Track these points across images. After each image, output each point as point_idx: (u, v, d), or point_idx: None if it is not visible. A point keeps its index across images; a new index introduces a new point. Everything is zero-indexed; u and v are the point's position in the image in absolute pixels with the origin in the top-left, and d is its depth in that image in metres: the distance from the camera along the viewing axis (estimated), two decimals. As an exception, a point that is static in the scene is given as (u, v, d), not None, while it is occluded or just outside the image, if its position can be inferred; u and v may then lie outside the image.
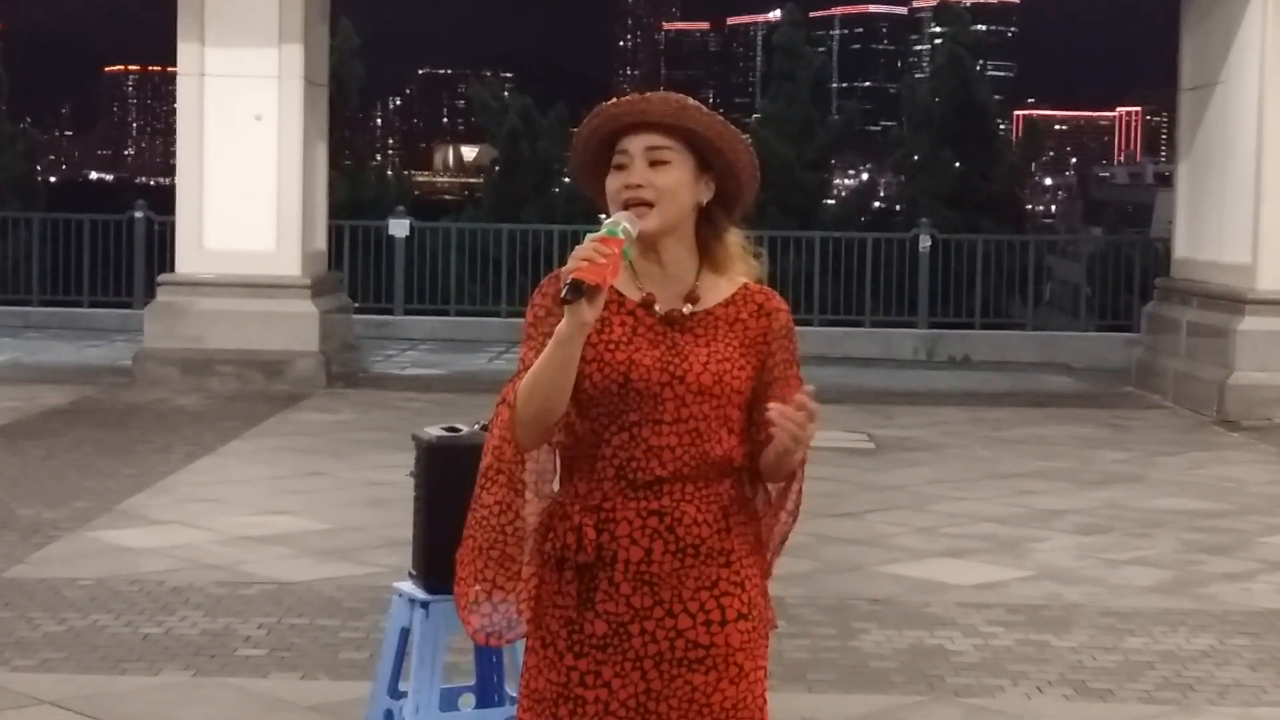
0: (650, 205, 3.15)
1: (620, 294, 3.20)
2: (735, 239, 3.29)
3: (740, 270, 3.27)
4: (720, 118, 3.22)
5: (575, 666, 3.15)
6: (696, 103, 3.21)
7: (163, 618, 7.21)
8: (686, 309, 3.20)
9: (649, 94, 3.22)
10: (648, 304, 3.20)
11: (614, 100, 3.24)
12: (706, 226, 3.24)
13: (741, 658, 3.18)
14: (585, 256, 3.01)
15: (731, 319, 3.22)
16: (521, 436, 3.16)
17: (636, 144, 3.18)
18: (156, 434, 12.26)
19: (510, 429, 3.16)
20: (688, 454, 3.15)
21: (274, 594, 7.66)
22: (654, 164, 3.17)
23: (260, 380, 14.72)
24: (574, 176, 3.40)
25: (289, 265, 15.07)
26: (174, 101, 15.86)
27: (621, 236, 3.07)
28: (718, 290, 3.23)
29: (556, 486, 3.25)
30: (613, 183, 3.20)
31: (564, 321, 3.04)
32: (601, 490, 3.17)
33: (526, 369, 3.17)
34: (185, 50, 15.11)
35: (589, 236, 3.06)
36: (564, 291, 3.00)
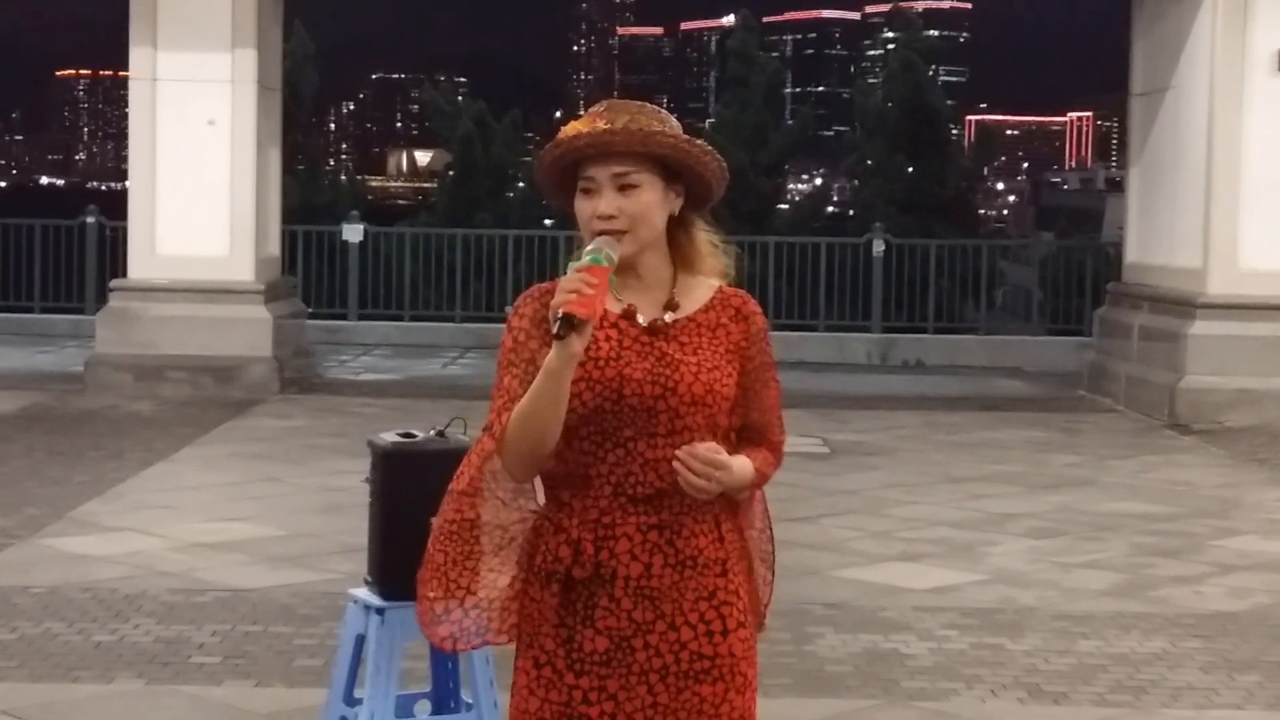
0: (628, 233, 3.13)
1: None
2: (703, 236, 3.27)
3: (711, 267, 3.26)
4: (680, 132, 3.18)
5: (577, 685, 3.11)
6: (656, 118, 3.17)
7: (116, 625, 7.17)
8: (668, 317, 3.19)
9: (611, 122, 3.13)
10: (630, 315, 3.17)
11: (576, 131, 3.16)
12: (678, 229, 3.23)
13: (744, 666, 3.18)
14: (573, 289, 2.97)
15: (713, 325, 3.21)
16: (515, 469, 3.14)
17: (603, 172, 3.14)
18: (109, 440, 12.20)
19: (493, 460, 3.15)
20: None
21: (228, 601, 7.63)
22: (623, 188, 3.14)
23: (213, 386, 14.66)
24: (548, 197, 3.36)
25: (242, 270, 15.02)
26: (126, 106, 15.78)
27: (606, 265, 3.04)
28: (695, 295, 3.22)
29: (541, 499, 3.21)
30: (583, 208, 3.16)
31: (553, 354, 3.01)
32: (599, 506, 3.13)
33: (511, 398, 3.13)
34: (137, 54, 15.04)
35: (573, 267, 3.02)
36: (556, 327, 2.97)
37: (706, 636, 3.13)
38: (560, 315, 2.96)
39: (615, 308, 3.16)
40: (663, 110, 3.21)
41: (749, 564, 3.30)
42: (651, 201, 3.15)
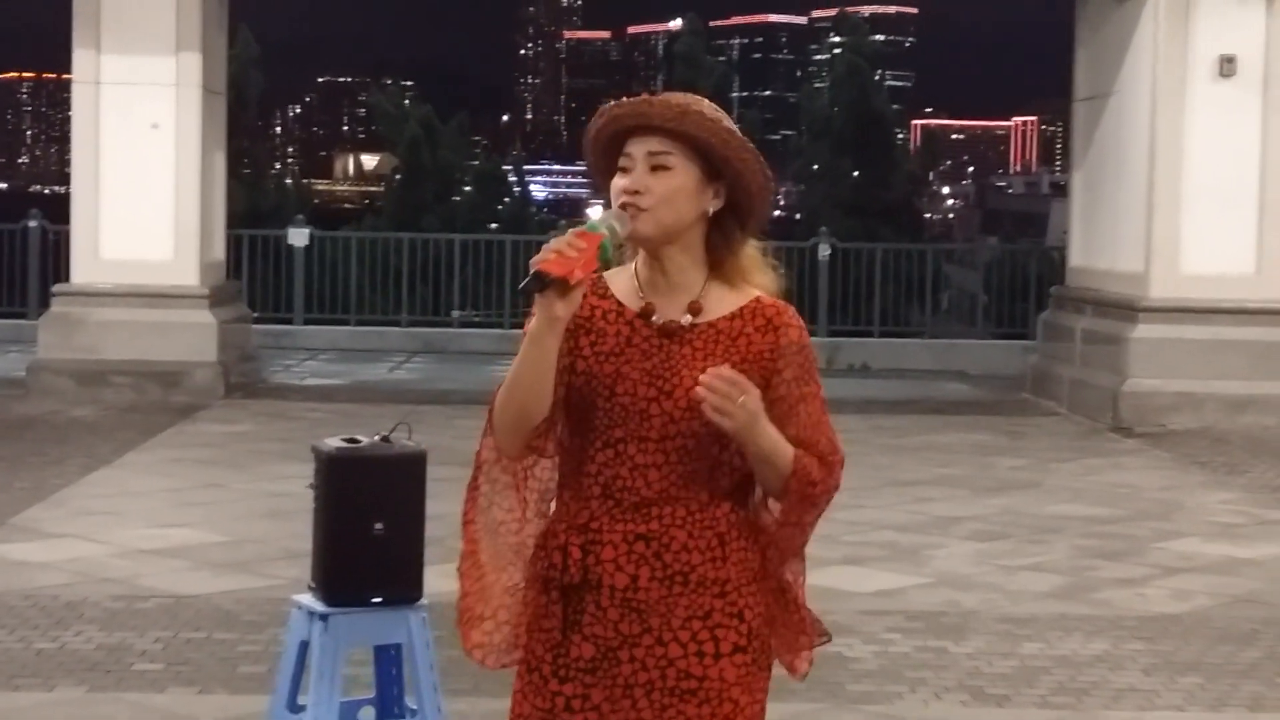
0: (646, 211, 3.02)
1: (620, 303, 3.09)
2: (751, 251, 3.14)
3: (756, 283, 3.12)
4: (729, 125, 3.06)
5: (560, 691, 3.03)
6: (706, 107, 3.07)
7: (57, 632, 7.12)
8: (686, 320, 3.06)
9: (656, 95, 3.08)
10: (646, 314, 3.07)
11: (619, 100, 3.09)
12: (717, 236, 3.09)
13: (737, 693, 3.02)
14: (555, 248, 2.89)
15: (735, 333, 3.06)
16: (502, 442, 3.05)
17: (640, 148, 3.04)
18: (51, 446, 12.11)
19: (487, 448, 3.09)
20: (675, 473, 3.02)
21: (171, 608, 7.59)
22: (655, 169, 3.03)
23: (157, 391, 14.58)
24: (591, 176, 3.25)
25: (186, 275, 14.95)
26: (69, 109, 15.68)
27: (604, 232, 2.96)
28: (724, 303, 3.08)
29: (554, 506, 3.13)
30: (615, 184, 3.06)
31: (535, 318, 2.93)
32: (589, 509, 3.04)
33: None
34: (81, 58, 14.95)
35: (571, 230, 2.96)
36: (524, 282, 2.91)
37: (697, 656, 3.00)
38: (533, 271, 2.89)
39: (634, 305, 3.08)
40: (725, 113, 3.09)
41: (772, 591, 3.14)
42: (681, 187, 3.03)
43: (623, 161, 3.06)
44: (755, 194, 3.10)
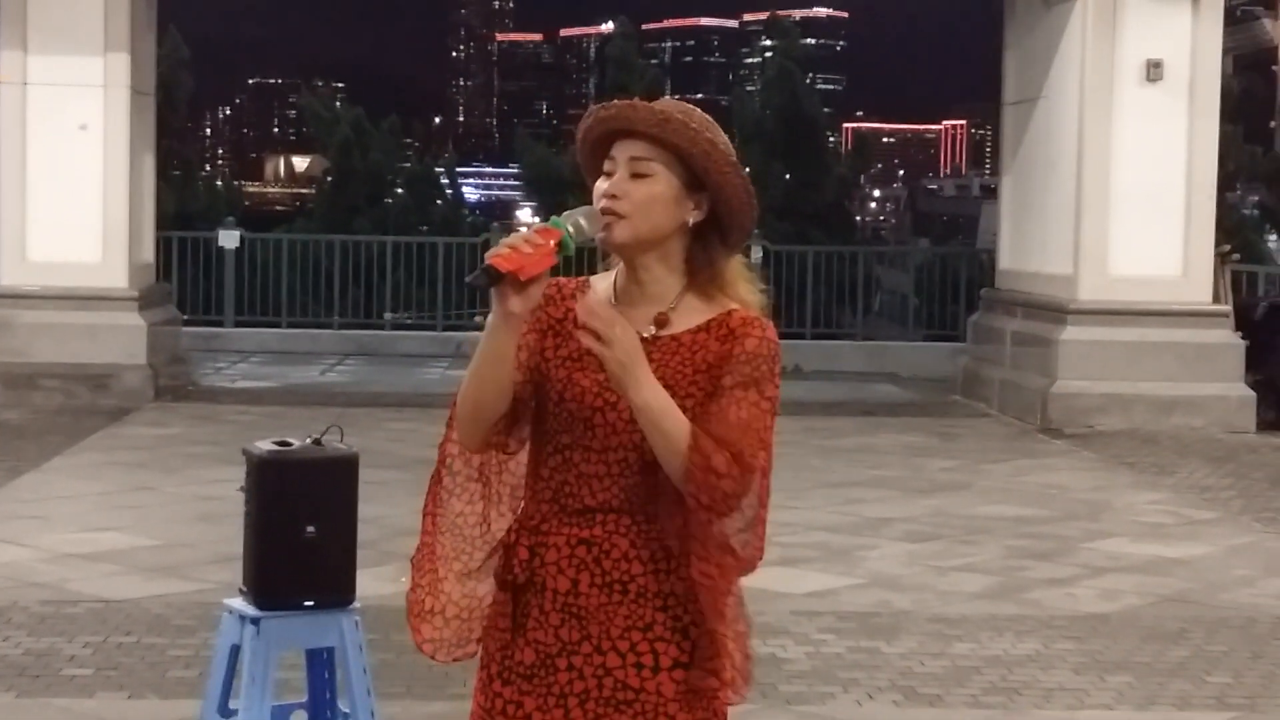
0: (623, 218, 2.97)
1: None
2: (734, 265, 3.08)
3: (737, 298, 3.04)
4: (713, 135, 3.00)
5: (500, 693, 3.02)
6: (694, 117, 3.01)
7: (-15, 638, 7.06)
8: (649, 332, 2.99)
9: (642, 101, 3.03)
10: None
11: (606, 103, 3.06)
12: (698, 249, 3.03)
13: (675, 709, 2.95)
14: (510, 243, 2.84)
15: (697, 345, 2.98)
16: (462, 434, 3.02)
17: (624, 152, 3.00)
18: (-22, 450, 11.99)
19: (449, 442, 3.06)
20: (618, 485, 2.96)
21: (100, 612, 7.53)
22: (636, 175, 2.98)
23: (86, 394, 14.46)
24: (584, 174, 3.17)
25: (115, 277, 14.83)
26: (-4, 110, 15.52)
27: (570, 229, 2.90)
28: (694, 315, 3.01)
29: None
30: (597, 187, 3.01)
31: (491, 312, 2.90)
32: (540, 512, 3.02)
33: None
34: (7, 58, 14.80)
35: (536, 226, 2.92)
36: (472, 274, 2.86)
37: (635, 668, 2.95)
38: (483, 265, 2.85)
39: None
40: (712, 121, 3.03)
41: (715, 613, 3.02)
42: (660, 195, 2.98)
43: (606, 165, 3.02)
44: (736, 208, 3.03)
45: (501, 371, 2.95)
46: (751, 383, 2.94)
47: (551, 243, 2.89)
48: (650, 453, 2.92)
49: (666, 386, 2.92)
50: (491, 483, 3.10)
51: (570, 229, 2.92)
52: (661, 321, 3.01)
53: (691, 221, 3.02)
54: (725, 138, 3.05)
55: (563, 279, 3.11)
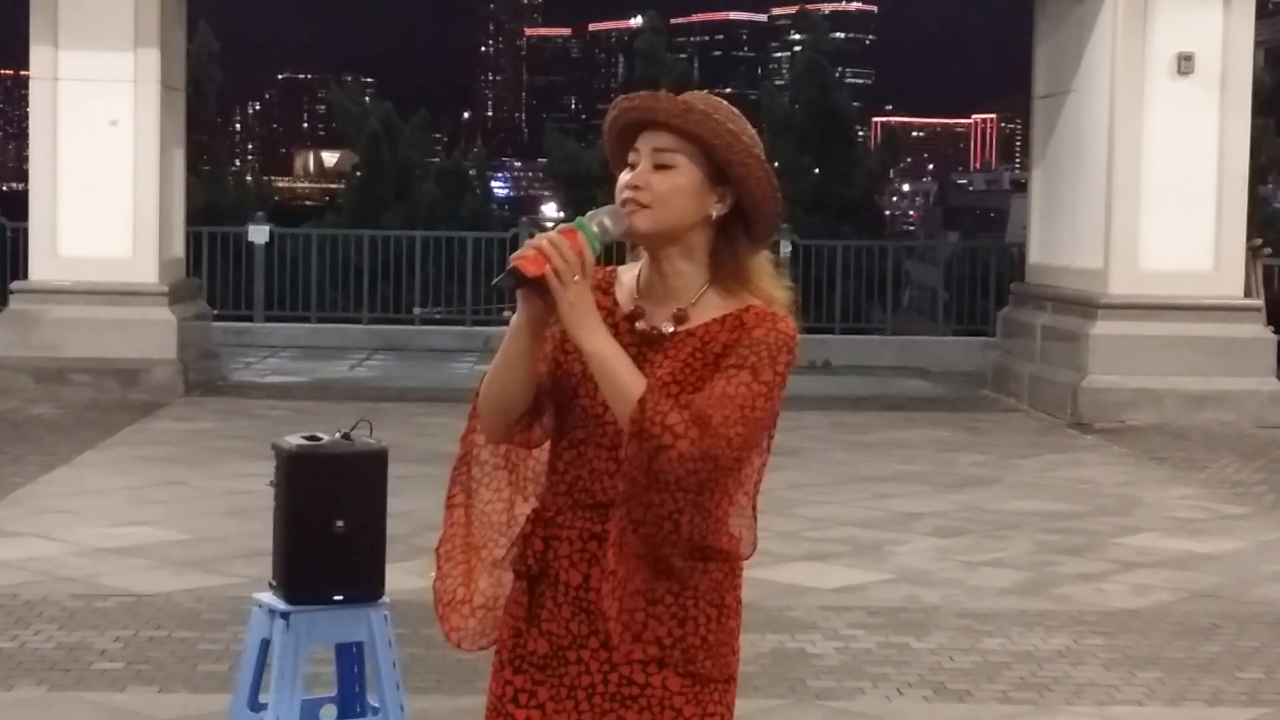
0: (645, 208, 2.94)
1: (617, 303, 3.02)
2: (760, 261, 3.04)
3: (761, 294, 3.01)
4: (736, 127, 2.97)
5: (511, 681, 3.02)
6: (715, 106, 2.98)
7: (16, 631, 7.08)
8: (668, 328, 2.97)
9: (669, 93, 3.00)
10: (633, 318, 3.00)
11: (632, 94, 3.03)
12: (723, 243, 3.00)
13: (680, 702, 2.95)
14: (535, 245, 2.83)
15: (709, 338, 2.95)
16: (484, 425, 3.02)
17: (648, 143, 2.97)
18: (10, 444, 12.04)
19: (476, 433, 3.06)
20: None
21: (131, 606, 7.55)
22: (659, 167, 2.95)
23: (117, 389, 14.51)
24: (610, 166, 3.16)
25: (146, 272, 14.88)
26: (27, 106, 15.58)
27: (595, 229, 2.89)
28: (713, 310, 2.98)
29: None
30: (620, 179, 2.99)
31: (516, 312, 2.91)
32: (555, 504, 3.01)
33: None
34: (38, 54, 14.86)
35: (559, 228, 2.90)
36: (498, 277, 2.87)
37: (640, 664, 2.94)
38: (508, 268, 2.85)
39: (628, 306, 3.02)
40: (739, 115, 3.00)
41: (720, 606, 2.99)
42: (682, 187, 2.94)
43: (630, 156, 2.99)
44: (759, 201, 2.99)
45: (525, 370, 2.95)
46: (747, 365, 2.90)
47: (575, 244, 2.87)
48: None
49: (675, 381, 2.90)
50: (518, 470, 3.10)
51: (595, 229, 2.91)
52: (680, 318, 2.98)
53: (715, 214, 2.99)
54: (752, 131, 3.01)
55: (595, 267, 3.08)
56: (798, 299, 3.10)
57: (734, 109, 3.01)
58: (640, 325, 3.00)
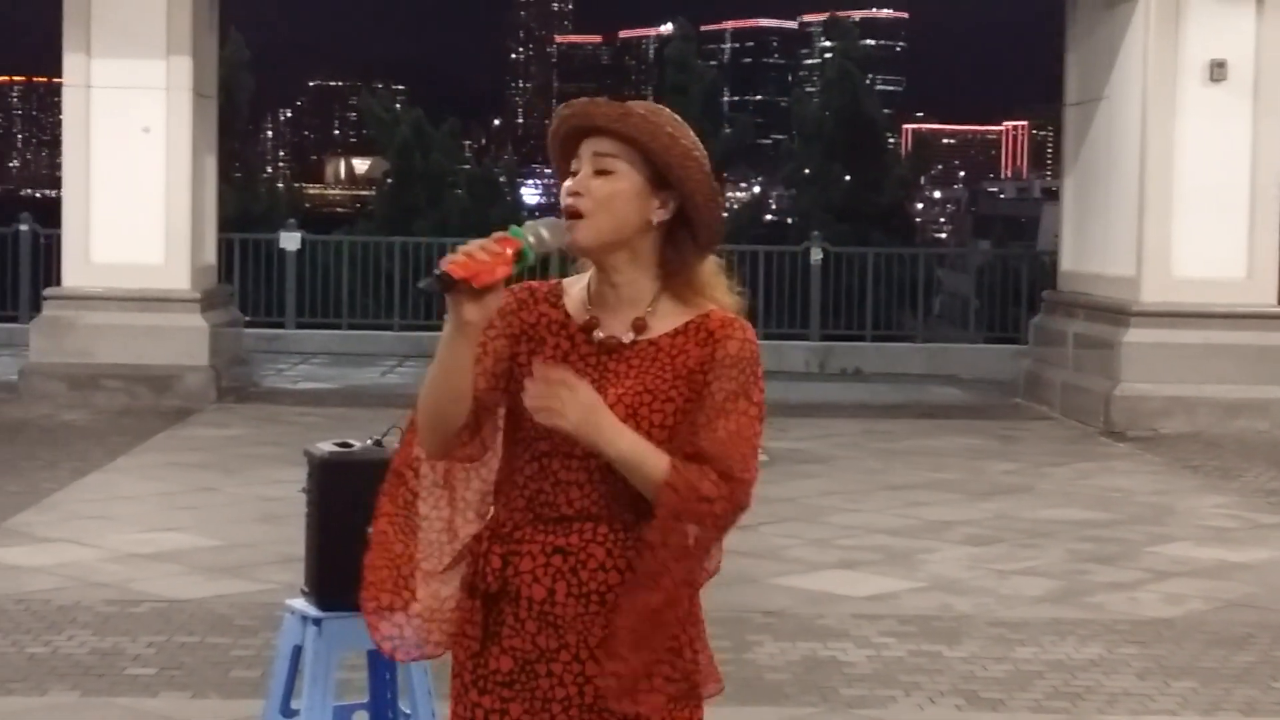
0: (585, 218, 2.94)
1: (568, 315, 3.01)
2: (709, 267, 3.04)
3: (714, 300, 3.02)
4: (676, 131, 2.97)
5: (479, 703, 3.00)
6: (655, 111, 2.99)
7: (50, 637, 7.11)
8: (628, 338, 2.97)
9: (607, 99, 3.01)
10: (589, 328, 2.99)
11: (572, 101, 3.04)
12: (670, 250, 2.99)
13: (658, 716, 2.95)
14: (466, 250, 2.82)
15: (675, 350, 2.95)
16: (423, 442, 2.99)
17: (588, 149, 2.97)
18: (43, 450, 12.09)
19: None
20: (598, 491, 2.94)
21: (164, 612, 7.58)
22: (599, 172, 2.95)
23: (149, 395, 14.56)
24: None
25: (178, 278, 14.93)
26: (60, 113, 15.65)
27: (530, 239, 2.89)
28: (671, 318, 2.98)
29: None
30: (564, 186, 2.99)
31: (447, 320, 2.86)
32: (513, 519, 2.99)
33: None
34: (71, 61, 14.93)
35: (495, 235, 2.89)
36: (424, 280, 2.84)
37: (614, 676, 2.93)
38: (436, 271, 2.82)
39: (581, 317, 3.00)
40: (681, 121, 3.01)
41: (698, 623, 3.01)
42: (622, 192, 2.94)
43: (574, 163, 3.00)
44: (701, 205, 2.98)
45: (460, 381, 2.92)
46: (742, 391, 2.94)
47: (509, 251, 2.86)
48: None
49: (647, 392, 2.92)
50: (457, 489, 3.06)
51: (531, 239, 2.89)
52: (640, 326, 2.98)
53: (657, 220, 2.98)
54: (694, 137, 3.01)
55: (534, 283, 3.08)
56: (747, 303, 3.11)
57: (676, 115, 3.02)
58: (598, 334, 2.99)
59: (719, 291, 3.03)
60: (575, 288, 3.06)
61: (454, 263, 2.81)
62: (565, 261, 3.10)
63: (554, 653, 2.95)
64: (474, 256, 2.82)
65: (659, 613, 2.90)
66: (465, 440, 3.00)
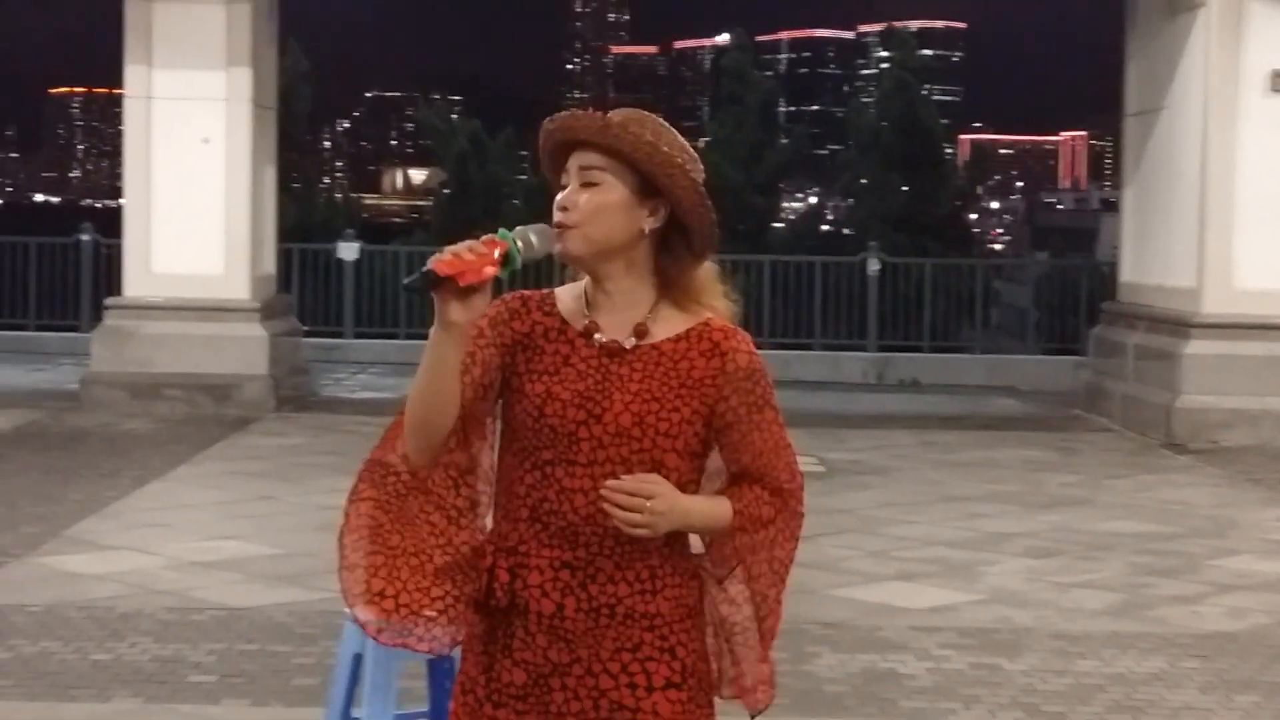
0: (573, 229, 2.96)
1: (564, 321, 3.02)
2: (704, 273, 3.05)
3: (709, 306, 3.03)
4: (657, 140, 2.98)
5: (495, 716, 2.99)
6: (637, 120, 3.01)
7: (112, 644, 7.16)
8: (630, 342, 2.98)
9: (587, 111, 3.03)
10: (588, 333, 3.00)
11: (556, 115, 3.05)
12: (666, 257, 3.01)
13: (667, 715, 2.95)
14: (454, 250, 2.84)
15: (678, 356, 2.96)
16: (410, 450, 2.97)
17: (575, 162, 3.00)
18: (104, 458, 12.18)
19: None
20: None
21: (224, 620, 7.61)
22: (585, 184, 2.97)
23: (209, 404, 14.64)
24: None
25: (237, 288, 15.02)
26: (121, 124, 15.79)
27: (519, 244, 2.89)
28: (672, 325, 2.99)
29: (490, 523, 3.06)
30: (556, 201, 3.02)
31: (435, 324, 2.88)
32: (517, 532, 2.97)
33: None
34: (132, 73, 15.05)
35: (484, 237, 2.91)
36: (409, 278, 2.85)
37: (629, 688, 2.94)
38: (423, 269, 2.83)
39: (579, 323, 3.01)
40: (666, 127, 3.03)
41: (703, 619, 3.05)
42: (610, 203, 2.95)
43: (564, 176, 3.02)
44: (689, 210, 2.98)
45: (448, 384, 2.92)
46: (762, 401, 3.00)
47: (496, 253, 2.87)
48: (635, 466, 2.92)
49: (654, 400, 2.94)
50: (446, 497, 3.04)
51: (519, 244, 2.90)
52: (641, 331, 3.00)
53: (648, 229, 2.99)
54: (681, 143, 3.03)
55: (527, 292, 3.10)
56: (740, 309, 3.12)
57: (662, 122, 3.03)
58: (599, 338, 3.00)
59: (715, 298, 3.05)
60: (567, 296, 3.08)
61: (440, 261, 2.83)
62: (562, 268, 3.10)
63: (566, 666, 2.95)
64: (460, 256, 2.83)
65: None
66: (452, 447, 3.00)
